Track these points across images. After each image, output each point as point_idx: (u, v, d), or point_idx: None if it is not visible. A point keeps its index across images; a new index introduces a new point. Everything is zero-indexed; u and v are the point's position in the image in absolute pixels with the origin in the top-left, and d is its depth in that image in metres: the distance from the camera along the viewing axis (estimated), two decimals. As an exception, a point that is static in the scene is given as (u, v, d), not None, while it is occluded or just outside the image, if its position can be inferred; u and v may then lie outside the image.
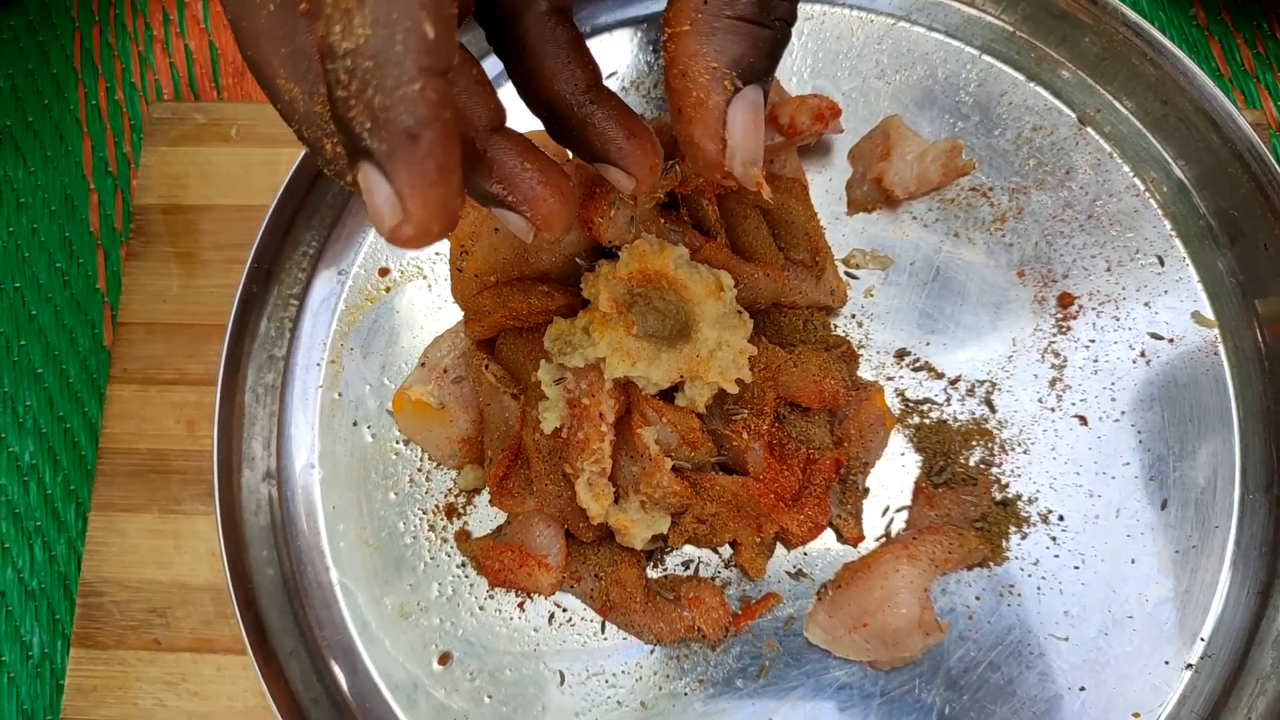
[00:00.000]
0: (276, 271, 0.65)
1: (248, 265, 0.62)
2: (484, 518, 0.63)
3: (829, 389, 0.59)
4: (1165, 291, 0.65)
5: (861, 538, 0.61)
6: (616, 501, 0.56)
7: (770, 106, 0.60)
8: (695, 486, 0.58)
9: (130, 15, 0.77)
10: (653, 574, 0.61)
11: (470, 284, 0.59)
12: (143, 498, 0.66)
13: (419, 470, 0.64)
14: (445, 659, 0.61)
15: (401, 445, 0.64)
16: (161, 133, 0.72)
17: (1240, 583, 0.60)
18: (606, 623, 0.61)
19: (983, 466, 0.62)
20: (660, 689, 0.60)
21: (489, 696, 0.60)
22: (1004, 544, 0.61)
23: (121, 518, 0.66)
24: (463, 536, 0.62)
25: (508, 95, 0.44)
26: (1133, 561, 0.61)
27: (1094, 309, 0.65)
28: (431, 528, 0.63)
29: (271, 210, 0.63)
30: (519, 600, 0.61)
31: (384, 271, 0.67)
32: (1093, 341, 0.64)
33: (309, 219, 0.66)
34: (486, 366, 0.59)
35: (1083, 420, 0.63)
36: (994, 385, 0.64)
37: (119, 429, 0.67)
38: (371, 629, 0.62)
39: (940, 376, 0.64)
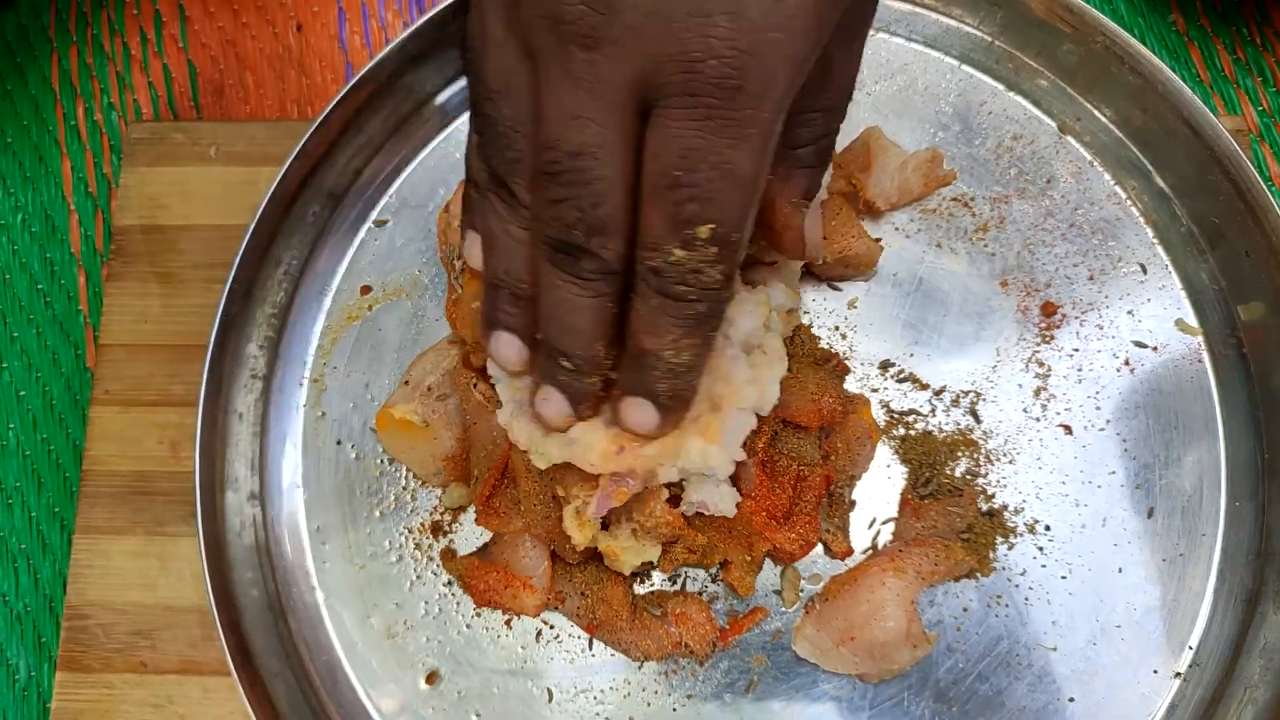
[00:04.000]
0: (257, 290, 0.65)
1: (228, 285, 0.61)
2: (470, 535, 0.63)
3: (827, 407, 0.59)
4: (1148, 299, 0.65)
5: (850, 551, 0.61)
6: (606, 528, 0.56)
7: None
8: (687, 517, 0.56)
9: (108, 36, 0.77)
10: (639, 589, 0.61)
11: (474, 314, 0.55)
12: (127, 520, 0.66)
13: (404, 489, 0.64)
14: (433, 678, 0.60)
15: (386, 464, 0.64)
16: (141, 153, 0.71)
17: (1227, 591, 0.60)
18: (594, 639, 0.60)
19: (968, 477, 0.62)
20: (649, 705, 0.60)
21: (477, 715, 0.60)
22: (991, 555, 0.61)
23: (106, 540, 0.65)
24: (448, 555, 0.62)
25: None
26: (1120, 570, 0.61)
27: (1077, 318, 0.65)
28: (417, 546, 0.63)
29: (251, 229, 0.62)
30: (506, 618, 0.61)
31: (366, 289, 0.67)
32: (1076, 350, 0.64)
33: (289, 238, 0.66)
34: (475, 385, 0.59)
35: (1068, 429, 0.63)
36: (979, 395, 0.64)
37: (102, 450, 0.67)
38: (358, 648, 0.61)
39: (925, 387, 0.64)
